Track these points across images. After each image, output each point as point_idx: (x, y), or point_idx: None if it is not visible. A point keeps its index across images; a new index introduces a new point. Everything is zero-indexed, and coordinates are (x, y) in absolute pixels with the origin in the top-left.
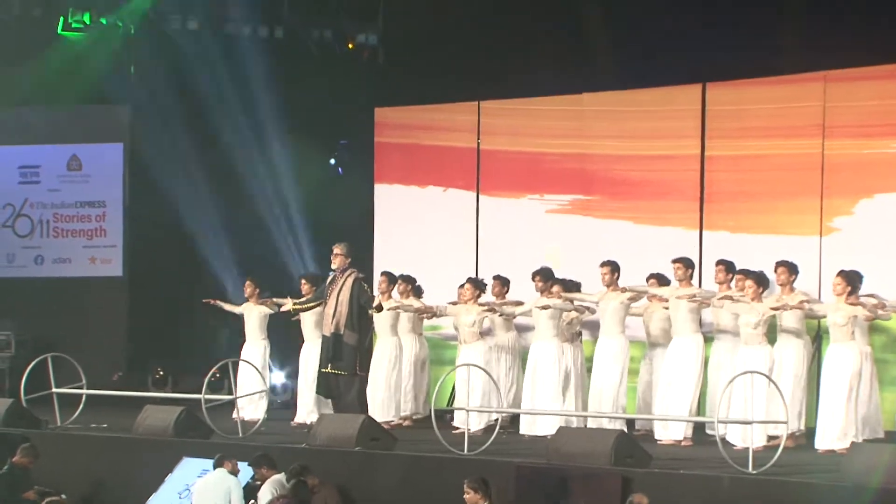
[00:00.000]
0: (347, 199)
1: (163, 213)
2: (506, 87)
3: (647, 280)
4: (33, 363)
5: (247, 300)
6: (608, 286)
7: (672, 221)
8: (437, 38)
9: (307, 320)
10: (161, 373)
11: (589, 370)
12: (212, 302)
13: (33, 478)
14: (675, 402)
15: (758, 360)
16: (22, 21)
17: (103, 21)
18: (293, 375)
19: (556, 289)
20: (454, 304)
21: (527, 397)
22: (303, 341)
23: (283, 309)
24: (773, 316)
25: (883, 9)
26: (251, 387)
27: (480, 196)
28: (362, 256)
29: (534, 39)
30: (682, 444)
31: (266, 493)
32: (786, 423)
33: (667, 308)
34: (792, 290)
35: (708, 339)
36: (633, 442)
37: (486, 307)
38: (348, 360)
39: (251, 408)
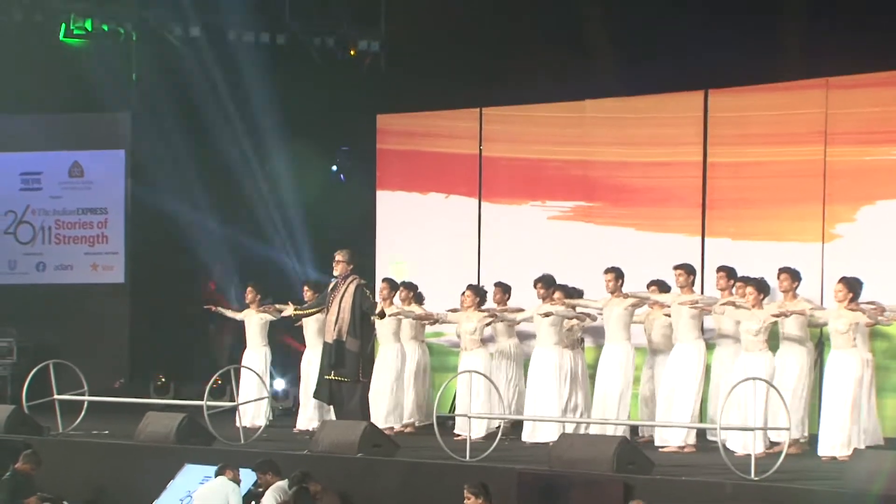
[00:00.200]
0: (349, 205)
1: (164, 219)
2: (508, 94)
3: (648, 287)
4: (35, 370)
5: (248, 307)
6: (612, 293)
7: (674, 228)
8: (439, 44)
9: (309, 327)
10: (163, 379)
11: (591, 377)
12: (212, 308)
13: (36, 484)
14: (677, 409)
15: (758, 366)
16: (23, 27)
17: (105, 28)
18: (294, 382)
19: (557, 295)
20: (455, 311)
21: (528, 404)
22: (304, 348)
23: (283, 314)
24: (775, 323)
25: (884, 15)
26: (253, 393)
27: (482, 203)
28: (364, 263)
29: (535, 46)
30: (685, 450)
31: (269, 499)
32: (788, 429)
33: (668, 315)
34: (795, 296)
35: (710, 346)
36: (634, 448)
37: (486, 314)
38: (351, 366)
39: (253, 414)
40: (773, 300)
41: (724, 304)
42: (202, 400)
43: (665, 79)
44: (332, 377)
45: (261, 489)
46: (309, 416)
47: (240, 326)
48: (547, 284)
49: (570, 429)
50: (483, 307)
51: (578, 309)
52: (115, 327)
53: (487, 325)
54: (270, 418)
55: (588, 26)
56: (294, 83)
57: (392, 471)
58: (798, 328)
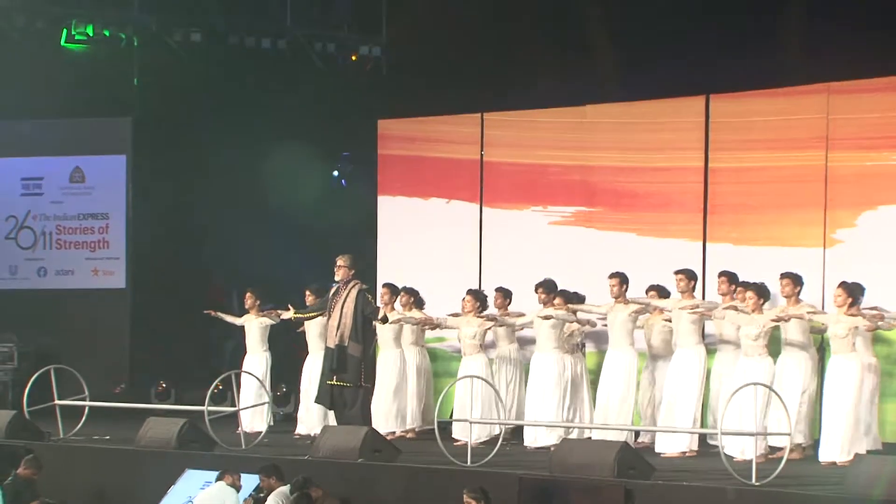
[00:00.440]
0: (350, 210)
1: (165, 224)
2: (509, 99)
3: (647, 291)
4: (36, 375)
5: (248, 312)
6: (616, 298)
7: (675, 233)
8: (440, 49)
9: (311, 332)
10: (164, 385)
11: (592, 382)
12: (212, 313)
13: (38, 489)
14: (678, 414)
15: (758, 371)
16: (25, 33)
17: (106, 33)
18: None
19: (558, 301)
20: (456, 315)
21: (529, 409)
22: (307, 353)
23: (283, 316)
24: (775, 328)
25: (886, 21)
26: (253, 398)
27: (483, 208)
28: (365, 268)
29: (537, 51)
30: (685, 455)
31: None
32: (789, 434)
33: (668, 320)
34: (797, 301)
35: (711, 351)
36: (635, 454)
37: (486, 319)
38: (353, 371)
39: (253, 420)
40: (775, 305)
41: (726, 308)
42: (203, 405)
43: (666, 83)
44: (333, 382)
45: (262, 494)
46: (310, 421)
47: (240, 331)
48: (548, 289)
49: (570, 434)
50: (484, 312)
51: (579, 314)
52: (115, 332)
53: (488, 329)
54: (271, 423)
55: (589, 31)
56: (295, 88)
57: (393, 476)
58: (800, 333)
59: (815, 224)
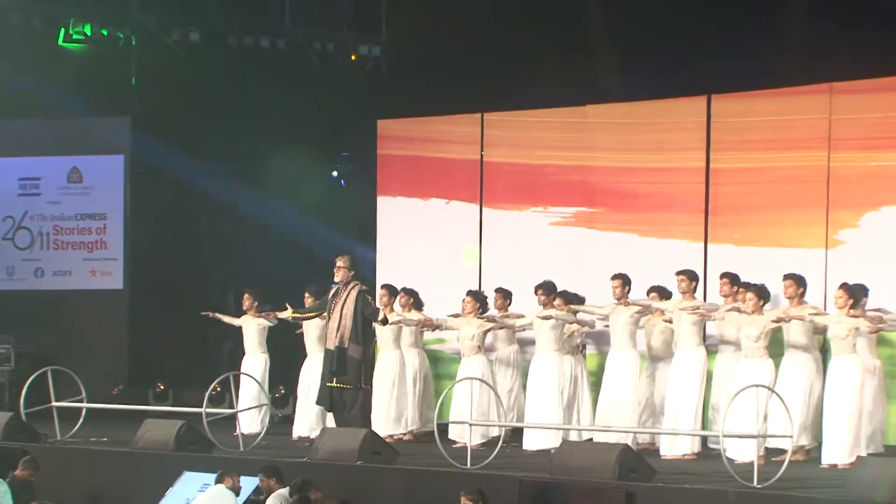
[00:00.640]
0: (350, 211)
1: (163, 225)
2: (509, 99)
3: (648, 293)
4: (33, 377)
5: (245, 313)
6: (619, 300)
7: (676, 234)
8: (440, 49)
9: (310, 334)
10: (161, 386)
11: (593, 384)
12: (210, 314)
13: (35, 491)
14: (679, 416)
15: (759, 373)
16: (22, 32)
17: (104, 32)
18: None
19: (558, 302)
20: (457, 316)
21: (529, 411)
22: (305, 355)
23: (281, 316)
24: (778, 329)
25: (889, 20)
26: (251, 400)
27: (483, 208)
28: (364, 269)
29: (537, 51)
30: (686, 458)
31: None
32: (791, 437)
33: (668, 321)
34: (800, 303)
35: (712, 353)
36: (637, 456)
37: (486, 321)
38: (353, 373)
39: (252, 421)
40: (777, 306)
41: (729, 310)
42: (201, 407)
43: (667, 84)
44: (333, 384)
45: (262, 496)
46: (308, 423)
47: (238, 333)
48: (548, 291)
49: (571, 436)
50: (484, 314)
51: (580, 315)
52: (113, 334)
53: (488, 331)
54: (267, 425)
55: (589, 31)
56: (294, 88)
57: (392, 479)
58: (802, 335)
59: (818, 225)
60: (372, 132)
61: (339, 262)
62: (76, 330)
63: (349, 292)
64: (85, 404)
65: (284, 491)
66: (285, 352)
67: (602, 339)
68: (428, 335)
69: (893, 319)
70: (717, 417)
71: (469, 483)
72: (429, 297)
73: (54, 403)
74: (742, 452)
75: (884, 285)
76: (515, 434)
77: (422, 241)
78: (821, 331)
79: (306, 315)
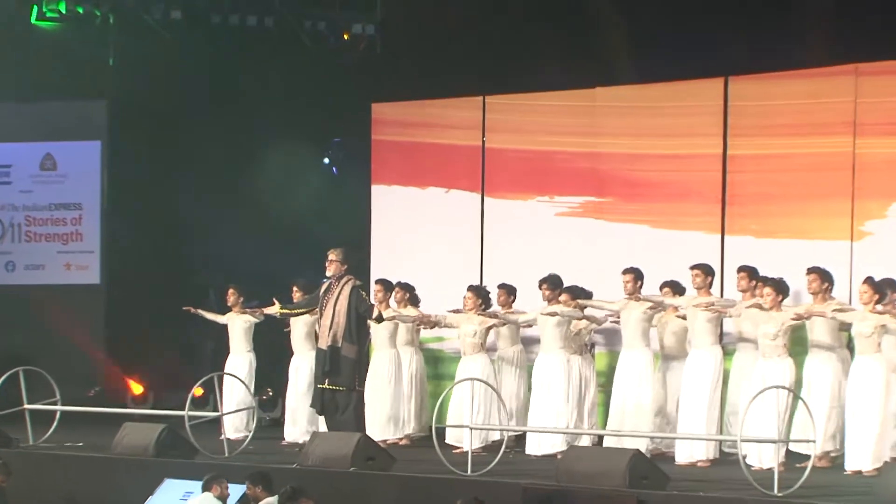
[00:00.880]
0: (342, 201)
1: (143, 216)
2: (512, 81)
3: (661, 288)
4: (4, 377)
5: (230, 309)
6: (630, 295)
7: (692, 225)
8: (439, 28)
9: (297, 331)
10: (141, 388)
11: (602, 385)
12: (192, 310)
13: (6, 498)
14: (694, 420)
15: (777, 374)
16: None
17: (80, 10)
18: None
19: (564, 297)
20: (458, 311)
21: (533, 414)
22: (291, 353)
23: (268, 311)
24: (798, 327)
25: None
26: (237, 402)
27: (485, 198)
28: (358, 263)
29: (542, 30)
30: (701, 464)
31: None
32: (814, 441)
33: (682, 318)
34: (825, 298)
35: (729, 352)
36: (649, 462)
37: (488, 317)
38: (347, 374)
39: (237, 425)
40: (800, 302)
41: (749, 306)
42: (183, 410)
43: (682, 65)
44: (325, 386)
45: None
46: (298, 426)
47: (222, 331)
48: (553, 285)
49: (578, 441)
50: (486, 310)
51: (587, 310)
52: (89, 331)
53: (490, 328)
54: (254, 429)
55: (599, 8)
56: (283, 69)
57: (388, 486)
58: (827, 333)
59: (842, 215)
60: (366, 116)
61: (331, 256)
62: (50, 327)
63: (342, 288)
64: (59, 407)
65: (273, 499)
66: (272, 351)
67: (612, 337)
68: (426, 333)
69: None
70: (735, 421)
71: (469, 491)
72: (426, 293)
73: (27, 406)
74: (761, 458)
75: None
76: (519, 439)
77: (419, 233)
78: (847, 328)
79: (295, 311)
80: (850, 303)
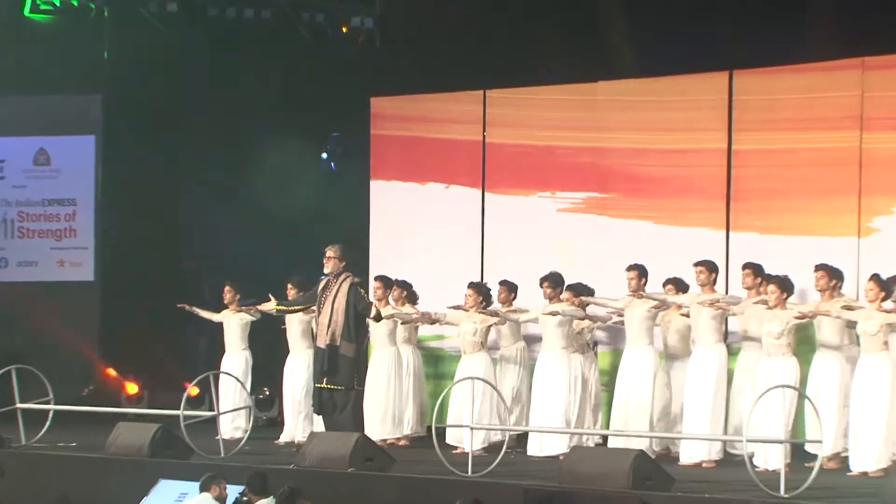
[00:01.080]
0: (340, 197)
1: (138, 212)
2: (514, 75)
3: (664, 285)
4: None
5: (226, 307)
6: (634, 292)
7: (696, 221)
8: (439, 20)
9: (293, 329)
10: (135, 387)
11: (606, 384)
12: (186, 308)
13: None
14: (698, 419)
15: (781, 373)
16: None
17: (74, 2)
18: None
19: (566, 295)
20: (458, 307)
21: (535, 414)
22: (287, 352)
23: (263, 308)
24: (807, 326)
25: None
26: (233, 402)
27: (486, 193)
28: (357, 260)
29: (544, 23)
30: (706, 465)
31: None
32: (820, 442)
33: (686, 316)
34: (834, 296)
35: (734, 350)
36: (653, 463)
37: (489, 314)
38: (345, 373)
39: (233, 424)
40: (807, 300)
41: (756, 302)
42: (178, 409)
43: (686, 58)
44: (323, 385)
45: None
46: (295, 426)
47: (217, 329)
48: (554, 283)
49: (581, 441)
50: (486, 308)
51: (589, 309)
52: (83, 329)
53: (490, 326)
54: (251, 429)
55: (601, 1)
56: (281, 63)
57: (387, 487)
58: (835, 331)
59: (849, 211)
60: (365, 111)
61: (329, 252)
62: (43, 325)
63: (340, 285)
64: (52, 406)
65: (269, 500)
66: (268, 349)
67: (615, 336)
68: (425, 331)
69: None
70: (741, 421)
71: (469, 492)
72: (426, 290)
73: (19, 405)
74: (767, 459)
75: None
76: (520, 439)
77: (419, 229)
78: (856, 326)
79: (293, 308)
80: (858, 299)
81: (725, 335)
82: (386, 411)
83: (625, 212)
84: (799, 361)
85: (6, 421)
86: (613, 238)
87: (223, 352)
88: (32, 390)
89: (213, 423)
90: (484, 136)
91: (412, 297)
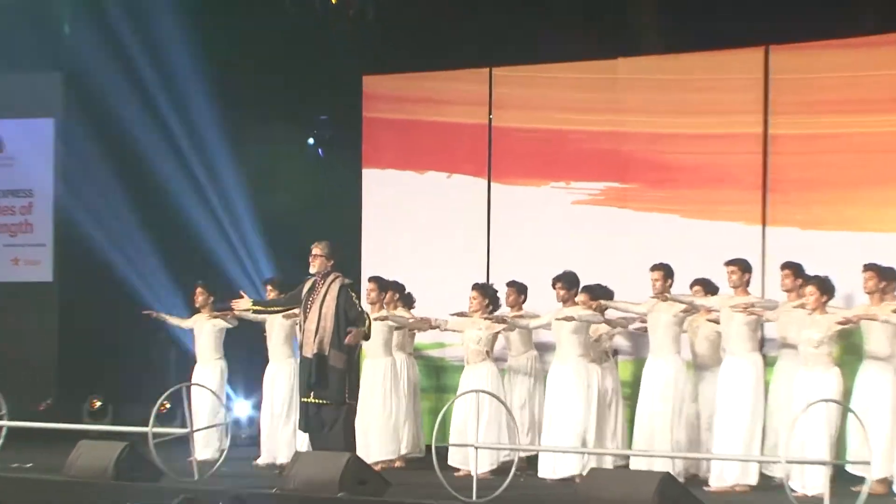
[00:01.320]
0: (329, 187)
1: (101, 204)
2: (523, 51)
3: (691, 287)
4: None
5: (197, 311)
6: (658, 294)
7: (727, 215)
8: None
9: (274, 336)
10: (99, 401)
11: (627, 397)
12: (153, 314)
13: None
14: (730, 438)
15: (821, 386)
16: None
17: None
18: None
19: (582, 298)
20: (463, 314)
21: (547, 432)
22: (266, 362)
23: (237, 308)
24: (848, 332)
25: None
26: (208, 418)
27: (492, 184)
28: (347, 258)
29: None
30: (739, 489)
31: None
32: (868, 463)
33: (715, 321)
34: (884, 299)
35: (770, 360)
36: (680, 487)
37: (495, 320)
38: (335, 386)
39: (209, 443)
40: (852, 304)
41: (795, 306)
42: (147, 425)
43: (717, 33)
44: (309, 399)
45: None
46: (275, 445)
47: (187, 336)
48: (569, 284)
49: (600, 462)
50: (493, 312)
51: (611, 313)
52: (41, 336)
53: (497, 333)
54: (224, 448)
55: None
56: (263, 38)
57: None
58: (885, 339)
59: None
60: (356, 91)
61: (316, 250)
62: None
63: (329, 287)
64: (6, 422)
65: None
66: (246, 357)
67: (638, 344)
68: (425, 339)
69: None
70: (778, 440)
71: None
72: (425, 293)
73: None
74: (805, 483)
75: None
76: (531, 460)
77: (417, 223)
78: None
79: (271, 308)
80: None
81: (761, 343)
82: (380, 429)
83: (648, 204)
84: (843, 373)
85: None
86: (635, 234)
87: (195, 361)
88: None
89: (185, 441)
90: (490, 120)
91: (407, 301)
